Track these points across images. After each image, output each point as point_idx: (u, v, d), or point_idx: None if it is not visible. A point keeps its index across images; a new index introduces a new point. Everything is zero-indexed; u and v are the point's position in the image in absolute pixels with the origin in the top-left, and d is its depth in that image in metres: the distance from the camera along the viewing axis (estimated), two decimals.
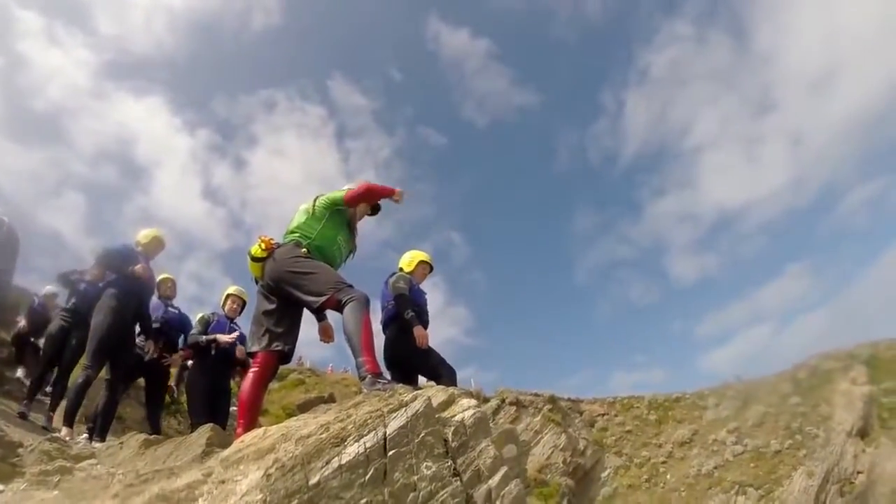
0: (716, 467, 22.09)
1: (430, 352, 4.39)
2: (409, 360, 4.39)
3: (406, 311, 4.34)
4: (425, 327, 4.55)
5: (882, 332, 28.14)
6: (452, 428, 2.42)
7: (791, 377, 25.77)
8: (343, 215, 3.43)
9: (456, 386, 4.13)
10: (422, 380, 4.40)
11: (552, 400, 25.71)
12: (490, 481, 2.36)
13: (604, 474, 21.57)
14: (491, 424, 2.74)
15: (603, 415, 27.71)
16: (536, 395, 24.88)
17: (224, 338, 5.23)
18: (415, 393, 2.52)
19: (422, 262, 4.89)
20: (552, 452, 20.13)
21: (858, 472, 17.97)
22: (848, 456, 18.25)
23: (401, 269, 4.81)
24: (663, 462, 23.83)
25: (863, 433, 19.92)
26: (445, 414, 2.57)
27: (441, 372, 4.29)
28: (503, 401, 20.16)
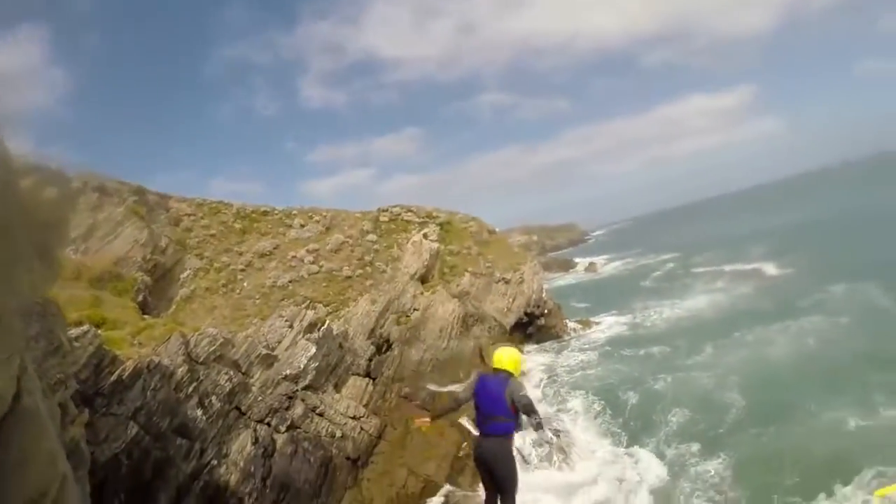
0: (291, 281, 23.94)
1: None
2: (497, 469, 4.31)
3: (538, 421, 4.19)
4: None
5: (461, 209, 34.65)
6: None
7: (374, 218, 29.38)
8: None
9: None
10: None
11: (139, 192, 23.36)
12: None
13: (183, 275, 21.05)
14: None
15: (190, 215, 26.84)
16: (123, 183, 22.15)
17: None
18: None
19: None
20: (132, 247, 18.62)
21: (415, 309, 22.09)
22: (408, 294, 22.14)
23: (509, 373, 4.46)
24: (242, 270, 24.61)
25: (423, 279, 24.46)
26: None
27: (508, 489, 4.30)
28: (85, 184, 17.02)
